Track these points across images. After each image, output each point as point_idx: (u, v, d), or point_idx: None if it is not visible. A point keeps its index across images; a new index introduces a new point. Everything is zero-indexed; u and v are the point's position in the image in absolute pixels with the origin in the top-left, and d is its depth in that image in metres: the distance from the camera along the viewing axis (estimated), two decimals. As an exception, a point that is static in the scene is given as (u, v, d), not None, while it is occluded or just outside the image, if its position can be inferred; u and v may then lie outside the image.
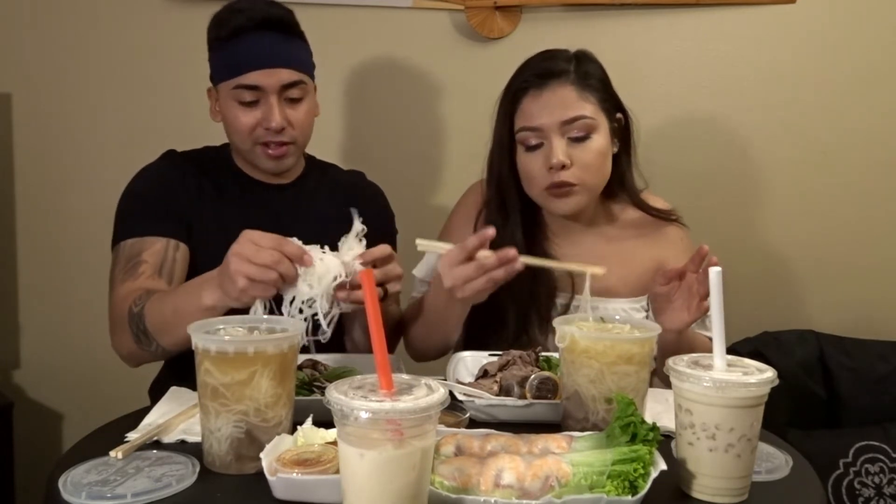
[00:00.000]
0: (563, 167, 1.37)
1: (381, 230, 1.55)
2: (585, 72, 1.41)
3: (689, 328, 1.31)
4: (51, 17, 2.00)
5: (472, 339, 1.44)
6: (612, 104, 1.43)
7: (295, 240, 1.09)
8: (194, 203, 1.44)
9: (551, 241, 1.49)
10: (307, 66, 1.45)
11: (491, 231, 1.17)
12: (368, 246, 1.16)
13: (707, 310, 1.18)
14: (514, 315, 1.41)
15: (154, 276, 1.33)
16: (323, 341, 1.12)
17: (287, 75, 1.39)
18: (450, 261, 1.18)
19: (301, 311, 1.09)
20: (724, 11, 2.06)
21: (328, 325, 1.11)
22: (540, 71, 1.41)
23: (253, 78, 1.38)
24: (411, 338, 1.45)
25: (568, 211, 1.43)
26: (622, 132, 1.47)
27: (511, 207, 1.46)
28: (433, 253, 1.37)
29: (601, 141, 1.40)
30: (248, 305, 1.10)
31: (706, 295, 1.18)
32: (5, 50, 1.99)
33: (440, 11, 2.04)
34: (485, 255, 1.16)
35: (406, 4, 2.03)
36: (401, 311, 1.52)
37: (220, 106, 1.45)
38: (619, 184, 1.50)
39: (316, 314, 1.10)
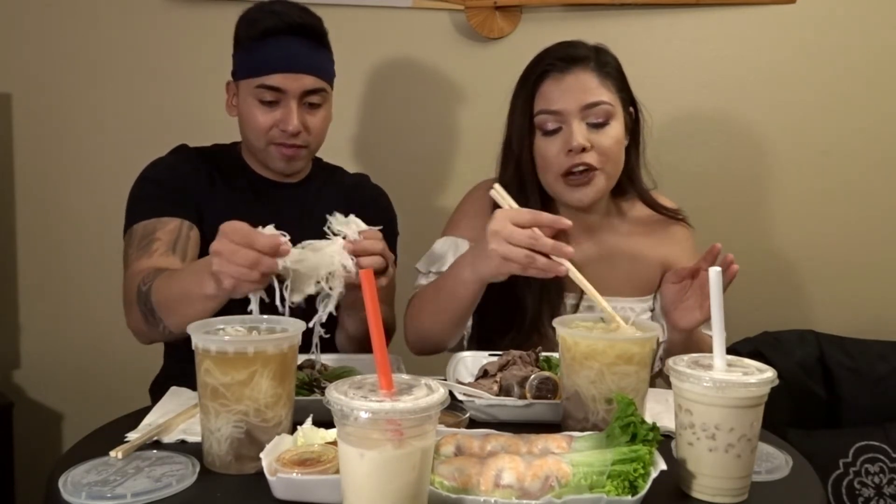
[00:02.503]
0: (584, 150, 1.36)
1: (383, 232, 1.56)
2: (605, 61, 1.42)
3: (699, 328, 1.31)
4: (51, 17, 2.00)
5: (485, 339, 1.44)
6: (627, 95, 1.44)
7: (270, 228, 1.07)
8: (206, 194, 1.45)
9: (566, 233, 1.48)
10: (329, 76, 1.48)
11: (569, 223, 1.14)
12: None
13: None
14: (529, 311, 1.39)
15: (167, 254, 1.33)
16: (319, 331, 1.15)
17: (310, 82, 1.42)
18: (511, 216, 1.14)
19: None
20: (724, 11, 2.06)
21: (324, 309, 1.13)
22: (562, 56, 1.40)
23: (277, 80, 1.40)
24: (414, 322, 1.40)
25: (586, 201, 1.40)
26: (633, 127, 1.47)
27: (530, 193, 1.43)
28: (446, 246, 1.44)
29: (618, 128, 1.40)
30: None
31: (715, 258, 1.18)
32: (5, 50, 1.99)
33: (440, 11, 2.04)
34: (540, 234, 1.12)
35: (406, 4, 2.03)
36: (392, 315, 1.53)
37: (238, 101, 1.47)
38: (629, 179, 1.49)
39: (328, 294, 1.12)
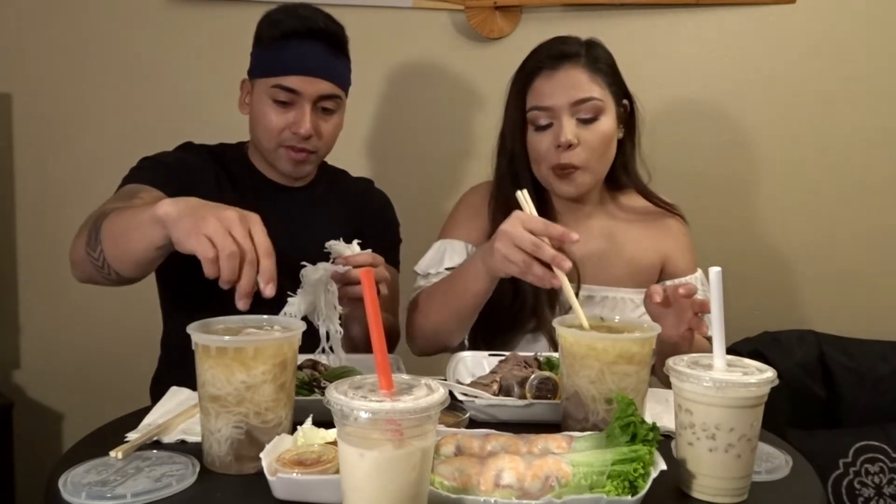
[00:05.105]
0: (570, 146, 1.40)
1: (386, 239, 1.57)
2: (596, 56, 1.44)
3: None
4: (51, 17, 2.00)
5: (486, 332, 1.45)
6: (619, 89, 1.47)
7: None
8: (211, 193, 1.38)
9: (559, 222, 1.47)
10: (346, 84, 1.49)
11: (576, 236, 1.13)
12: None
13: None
14: (528, 297, 1.42)
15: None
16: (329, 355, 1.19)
17: (326, 87, 1.42)
18: (524, 220, 1.15)
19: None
20: (724, 11, 2.07)
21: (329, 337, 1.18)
22: (553, 53, 1.44)
23: (293, 81, 1.40)
24: (420, 319, 1.42)
25: (572, 193, 1.45)
26: (627, 119, 1.49)
27: (523, 185, 1.41)
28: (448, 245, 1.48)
29: (609, 123, 1.43)
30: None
31: (700, 309, 1.17)
32: (5, 50, 1.99)
33: (440, 11, 2.04)
34: (544, 244, 1.12)
35: (406, 4, 2.03)
36: (395, 322, 1.54)
37: (251, 99, 1.46)
38: (624, 171, 1.52)
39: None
